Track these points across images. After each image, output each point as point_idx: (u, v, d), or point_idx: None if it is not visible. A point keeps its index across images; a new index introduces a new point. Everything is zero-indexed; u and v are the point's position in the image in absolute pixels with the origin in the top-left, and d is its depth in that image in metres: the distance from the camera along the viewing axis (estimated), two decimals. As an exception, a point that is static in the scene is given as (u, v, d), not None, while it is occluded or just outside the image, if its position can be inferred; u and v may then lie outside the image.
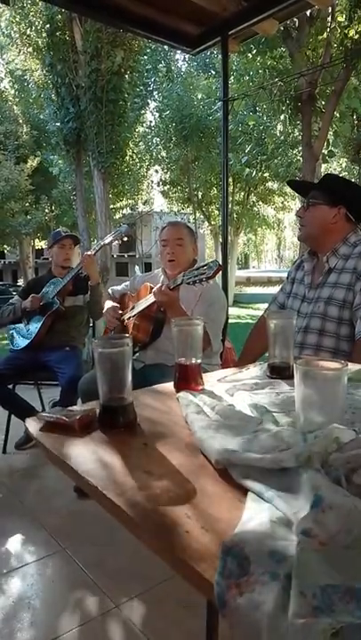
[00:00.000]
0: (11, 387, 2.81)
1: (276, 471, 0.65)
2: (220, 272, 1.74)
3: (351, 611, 0.42)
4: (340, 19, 8.21)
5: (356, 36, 7.87)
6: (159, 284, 1.93)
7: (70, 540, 1.99)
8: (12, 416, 2.82)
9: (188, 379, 1.13)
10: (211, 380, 1.23)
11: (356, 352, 1.67)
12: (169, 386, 1.19)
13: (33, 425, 0.96)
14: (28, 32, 11.98)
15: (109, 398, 0.91)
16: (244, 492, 0.64)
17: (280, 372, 1.20)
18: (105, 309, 2.30)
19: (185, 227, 2.29)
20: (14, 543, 2.00)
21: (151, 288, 2.14)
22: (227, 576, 0.48)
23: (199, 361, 1.14)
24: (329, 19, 8.42)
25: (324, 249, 1.83)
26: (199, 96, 16.62)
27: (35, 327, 2.87)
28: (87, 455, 0.81)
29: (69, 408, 1.01)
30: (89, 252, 2.79)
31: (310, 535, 0.50)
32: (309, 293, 1.86)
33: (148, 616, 1.56)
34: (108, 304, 2.32)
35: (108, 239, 2.76)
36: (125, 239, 2.66)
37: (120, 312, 2.27)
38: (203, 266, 1.71)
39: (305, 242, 1.94)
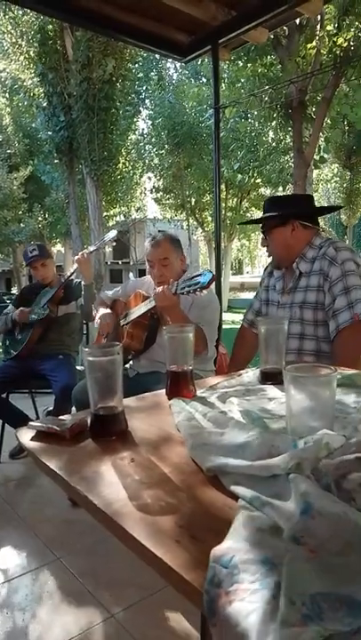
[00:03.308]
0: (4, 395, 2.79)
1: (267, 478, 0.65)
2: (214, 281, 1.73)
3: (340, 618, 0.42)
4: (328, 27, 8.31)
5: (345, 44, 7.97)
6: (161, 287, 1.83)
7: (65, 549, 1.97)
8: (6, 425, 2.80)
9: (179, 386, 1.13)
10: (203, 386, 1.23)
11: (335, 351, 1.71)
12: (161, 393, 1.18)
13: (24, 434, 0.95)
14: (20, 42, 12.04)
15: (100, 407, 0.91)
16: (235, 499, 0.64)
17: (272, 378, 1.20)
18: (99, 314, 2.24)
19: (169, 241, 2.09)
20: (8, 553, 1.98)
21: (143, 296, 2.13)
22: (216, 585, 0.48)
23: (191, 367, 1.14)
24: (318, 27, 8.52)
25: (296, 259, 1.87)
26: (191, 103, 16.71)
27: (25, 336, 2.86)
28: (78, 464, 0.80)
29: (61, 417, 1.00)
30: (83, 252, 2.76)
31: (300, 542, 0.50)
32: (283, 299, 1.90)
33: (144, 625, 1.55)
34: (101, 310, 2.27)
35: (96, 245, 2.76)
36: (114, 244, 2.65)
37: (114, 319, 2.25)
38: (196, 275, 1.70)
39: (280, 265, 1.96)
